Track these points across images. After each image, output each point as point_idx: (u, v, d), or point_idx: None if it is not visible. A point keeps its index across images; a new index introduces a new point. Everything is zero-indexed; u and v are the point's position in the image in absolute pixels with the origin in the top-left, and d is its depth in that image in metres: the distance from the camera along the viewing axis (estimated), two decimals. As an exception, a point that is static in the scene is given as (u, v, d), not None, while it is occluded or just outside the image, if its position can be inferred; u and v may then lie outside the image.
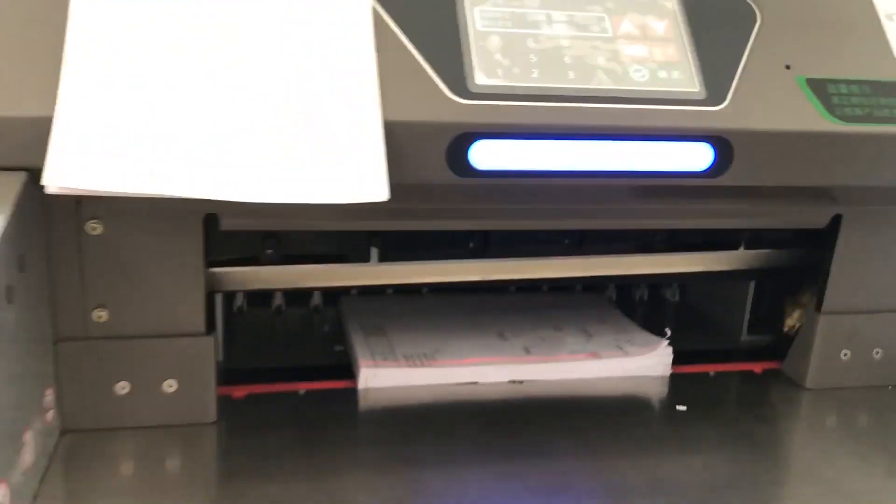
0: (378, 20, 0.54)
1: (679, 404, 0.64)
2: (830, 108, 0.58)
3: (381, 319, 0.74)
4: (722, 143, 0.56)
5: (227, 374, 0.66)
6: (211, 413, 0.58)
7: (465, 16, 0.55)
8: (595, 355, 0.69)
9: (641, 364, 0.69)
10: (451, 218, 0.59)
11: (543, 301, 0.81)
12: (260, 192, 0.47)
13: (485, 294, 0.80)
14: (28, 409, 0.49)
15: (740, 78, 0.58)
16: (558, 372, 0.67)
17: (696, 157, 0.56)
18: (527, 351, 0.69)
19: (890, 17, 0.63)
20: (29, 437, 0.48)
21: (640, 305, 0.85)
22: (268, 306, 0.78)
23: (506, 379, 0.66)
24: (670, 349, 0.69)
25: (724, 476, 0.55)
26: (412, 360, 0.67)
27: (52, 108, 0.47)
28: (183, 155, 0.47)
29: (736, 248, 0.69)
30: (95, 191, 0.45)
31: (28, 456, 0.48)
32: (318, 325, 0.78)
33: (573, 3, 0.58)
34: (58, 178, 0.44)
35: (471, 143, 0.53)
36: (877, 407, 0.66)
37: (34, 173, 0.49)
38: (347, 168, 0.48)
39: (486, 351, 0.69)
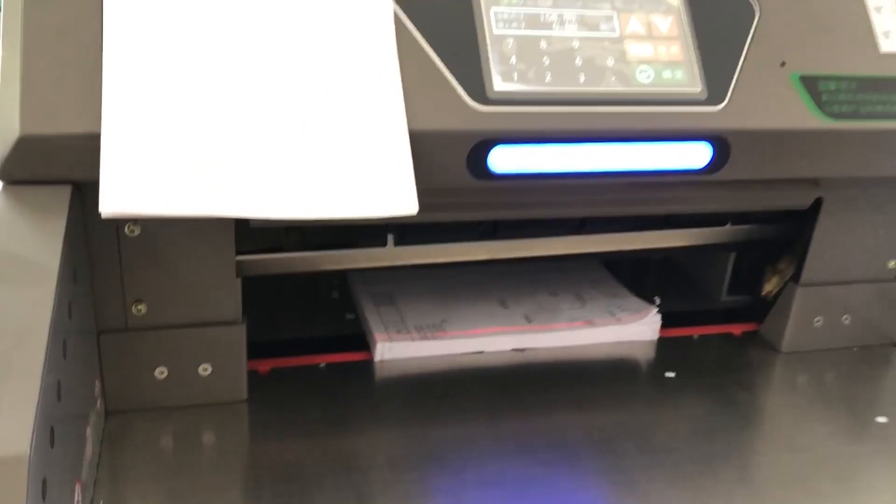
0: (399, 24, 0.56)
1: (668, 370, 0.70)
2: (820, 105, 0.62)
3: (389, 288, 0.78)
4: (720, 142, 0.60)
5: (250, 347, 0.70)
6: (243, 391, 0.63)
7: (482, 17, 0.57)
8: (590, 323, 0.74)
9: (633, 331, 0.74)
10: (467, 210, 0.62)
11: (540, 265, 0.85)
12: (299, 209, 0.50)
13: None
14: (86, 404, 0.53)
15: (739, 76, 0.61)
16: (557, 340, 0.73)
17: (695, 155, 0.60)
18: (527, 319, 0.75)
19: (878, 10, 0.66)
20: (89, 431, 0.52)
21: (625, 264, 0.90)
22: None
23: (509, 348, 0.72)
24: (659, 316, 0.75)
25: (708, 442, 0.61)
26: (423, 331, 0.71)
27: (92, 124, 0.49)
28: (228, 175, 0.49)
29: (723, 224, 0.73)
30: (149, 215, 0.47)
31: (90, 449, 0.52)
32: (327, 291, 0.81)
33: (583, 0, 0.60)
34: (114, 204, 0.47)
35: (490, 148, 0.56)
36: (844, 369, 0.73)
37: (78, 185, 0.51)
38: (378, 183, 0.51)
39: (490, 320, 0.74)
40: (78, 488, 0.48)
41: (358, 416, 0.63)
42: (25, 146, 0.49)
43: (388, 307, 0.75)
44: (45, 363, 0.40)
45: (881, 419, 0.65)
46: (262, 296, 0.76)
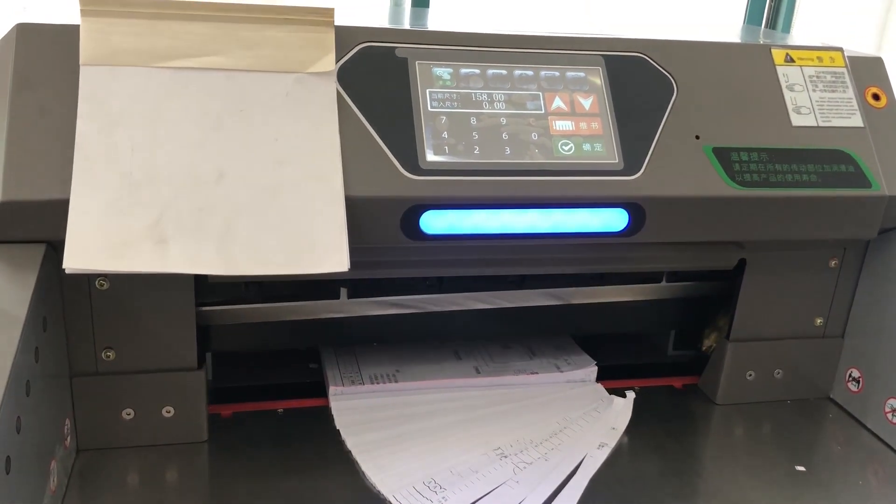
0: (341, 102, 0.63)
1: (605, 420, 0.75)
2: (732, 175, 0.68)
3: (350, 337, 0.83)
4: (635, 208, 0.66)
5: (216, 393, 0.76)
6: (203, 433, 0.69)
7: (418, 97, 0.65)
8: (534, 374, 0.80)
9: (571, 379, 0.80)
10: (404, 267, 0.68)
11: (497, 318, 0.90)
12: (240, 266, 0.57)
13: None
14: (53, 439, 0.59)
15: (655, 148, 0.67)
16: (500, 392, 0.78)
17: (613, 220, 0.66)
18: (477, 371, 0.80)
19: (791, 88, 0.73)
20: (54, 465, 0.58)
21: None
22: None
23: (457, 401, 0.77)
24: (595, 370, 0.80)
25: (630, 488, 0.66)
26: (376, 381, 0.77)
27: (66, 191, 0.56)
28: (178, 237, 0.56)
29: (658, 281, 0.79)
30: (108, 271, 0.54)
31: (54, 481, 0.58)
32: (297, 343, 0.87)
33: (512, 82, 0.67)
34: (76, 261, 0.54)
35: (421, 213, 0.63)
36: (774, 421, 0.77)
37: (52, 244, 0.58)
38: (315, 243, 0.58)
39: (441, 372, 0.79)
40: (35, 514, 0.53)
41: (309, 458, 0.68)
42: (6, 209, 0.56)
43: (348, 357, 0.81)
44: (2, 399, 0.46)
45: (800, 468, 0.69)
46: (231, 346, 0.83)
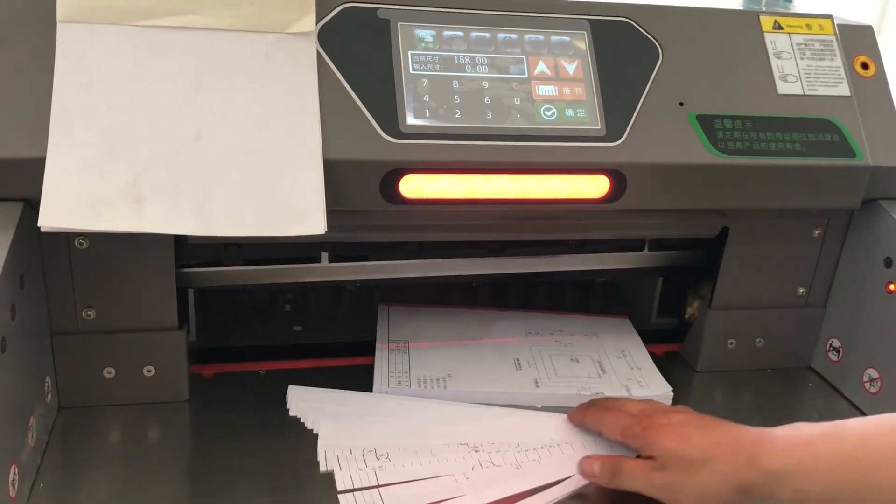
0: (321, 63, 0.62)
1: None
2: (715, 143, 0.67)
3: (409, 332, 0.80)
4: (617, 175, 0.66)
5: (200, 353, 0.77)
6: (184, 392, 0.69)
7: (399, 59, 0.64)
8: (600, 395, 0.72)
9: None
10: (384, 232, 0.68)
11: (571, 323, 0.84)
12: (219, 227, 0.57)
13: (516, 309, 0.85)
14: (33, 396, 0.60)
15: (638, 115, 0.67)
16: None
17: (594, 187, 0.66)
18: (536, 384, 0.74)
19: (778, 56, 0.72)
20: (33, 420, 0.59)
21: (571, 285, 0.95)
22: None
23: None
24: (671, 396, 0.73)
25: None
26: (424, 384, 0.72)
27: (43, 149, 0.56)
28: (154, 197, 0.56)
29: (641, 249, 0.79)
30: (84, 230, 0.54)
31: (32, 436, 0.59)
32: (281, 304, 0.88)
33: (495, 45, 0.66)
34: (52, 219, 0.54)
35: (401, 177, 0.62)
36: (753, 389, 0.78)
37: (30, 202, 0.58)
38: (291, 205, 0.58)
39: (495, 382, 0.73)
40: (14, 469, 0.54)
41: (289, 419, 0.68)
42: (-17, 168, 0.56)
43: (401, 354, 0.77)
44: (-26, 354, 0.46)
45: (775, 436, 0.70)
46: (218, 307, 0.84)
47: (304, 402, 0.70)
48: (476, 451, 0.64)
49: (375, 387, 0.71)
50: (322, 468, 0.62)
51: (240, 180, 0.58)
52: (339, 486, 0.60)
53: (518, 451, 0.65)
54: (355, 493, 0.59)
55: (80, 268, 0.63)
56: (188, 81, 0.60)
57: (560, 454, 0.65)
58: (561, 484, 0.62)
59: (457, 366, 0.75)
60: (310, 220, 0.58)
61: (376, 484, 0.60)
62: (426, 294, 0.88)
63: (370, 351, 0.77)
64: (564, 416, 0.69)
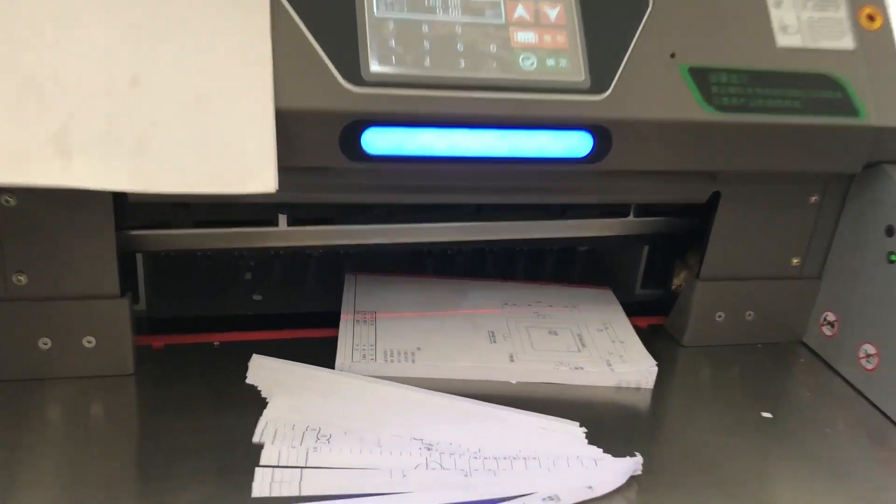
0: (276, 4, 0.56)
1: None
2: (709, 98, 0.62)
3: (376, 303, 0.75)
4: (601, 132, 0.60)
5: (150, 323, 0.71)
6: (128, 365, 0.63)
7: (363, 0, 0.58)
8: (580, 370, 0.68)
9: (623, 381, 0.68)
10: (345, 191, 0.62)
11: (550, 293, 0.80)
12: (158, 182, 0.51)
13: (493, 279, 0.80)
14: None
15: (625, 66, 0.61)
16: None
17: (576, 144, 0.60)
18: (511, 359, 0.69)
19: (777, 5, 0.66)
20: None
21: (551, 254, 0.90)
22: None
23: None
24: (654, 372, 0.68)
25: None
26: (390, 358, 0.67)
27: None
28: (88, 146, 0.50)
29: (625, 215, 0.74)
30: (4, 184, 0.48)
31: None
32: (242, 272, 0.82)
33: (471, -13, 0.60)
34: (-34, 172, 0.47)
35: (363, 130, 0.56)
36: (742, 364, 0.73)
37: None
38: (238, 159, 0.52)
39: (466, 355, 0.68)
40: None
41: (239, 394, 0.63)
42: None
43: (367, 325, 0.71)
44: None
45: (766, 414, 0.65)
46: (173, 274, 0.78)
47: (263, 370, 0.64)
48: (428, 449, 0.57)
49: (338, 361, 0.66)
50: (255, 439, 0.57)
51: (181, 131, 0.52)
52: (262, 461, 0.55)
53: (475, 457, 0.56)
54: (275, 469, 0.54)
55: (8, 228, 0.57)
56: (125, 21, 0.53)
57: (523, 468, 0.56)
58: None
59: (427, 338, 0.70)
60: (259, 177, 0.52)
61: (303, 465, 0.54)
62: (397, 263, 0.82)
63: (336, 322, 0.72)
64: (555, 421, 0.61)
